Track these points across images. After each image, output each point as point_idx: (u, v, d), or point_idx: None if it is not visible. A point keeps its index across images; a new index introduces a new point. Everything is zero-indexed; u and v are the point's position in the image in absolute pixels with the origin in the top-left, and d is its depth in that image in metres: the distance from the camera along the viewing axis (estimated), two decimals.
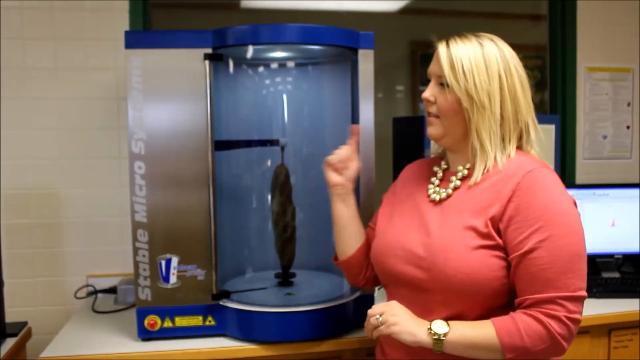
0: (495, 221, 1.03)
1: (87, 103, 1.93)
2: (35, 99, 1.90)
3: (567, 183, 2.28)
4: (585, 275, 1.01)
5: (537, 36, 2.41)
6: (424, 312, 1.08)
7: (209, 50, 1.43)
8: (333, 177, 1.29)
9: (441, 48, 1.10)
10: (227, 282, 1.63)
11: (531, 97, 1.12)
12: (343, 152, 1.30)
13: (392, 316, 1.05)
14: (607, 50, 2.33)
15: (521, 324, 0.99)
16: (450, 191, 1.12)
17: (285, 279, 1.64)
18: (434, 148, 1.26)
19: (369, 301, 1.52)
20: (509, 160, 1.08)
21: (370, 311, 1.09)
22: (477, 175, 1.08)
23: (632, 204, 2.07)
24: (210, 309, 1.48)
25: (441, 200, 1.13)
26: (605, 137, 2.36)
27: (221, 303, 1.48)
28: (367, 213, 1.51)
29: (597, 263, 2.08)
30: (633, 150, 2.39)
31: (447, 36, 1.12)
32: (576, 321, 0.99)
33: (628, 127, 2.38)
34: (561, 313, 0.98)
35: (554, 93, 2.37)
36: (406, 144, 1.91)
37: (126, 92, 1.44)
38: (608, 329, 1.73)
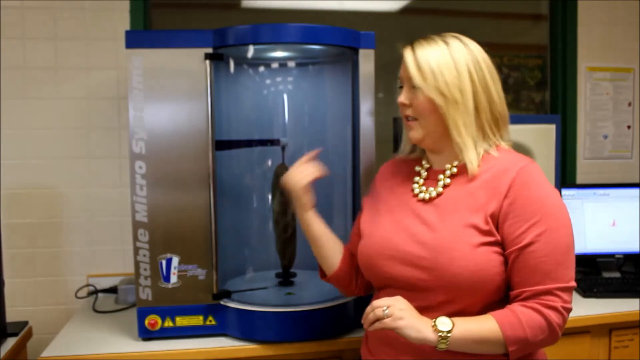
0: (494, 217, 1.05)
1: (87, 103, 1.93)
2: (35, 98, 1.90)
3: (568, 183, 2.29)
4: (574, 265, 1.06)
5: (538, 36, 2.40)
6: (421, 312, 1.07)
7: (210, 50, 1.43)
8: (300, 188, 1.28)
9: (407, 53, 1.13)
10: (227, 282, 1.63)
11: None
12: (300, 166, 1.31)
13: (399, 310, 1.03)
14: (608, 50, 2.33)
15: (522, 316, 1.01)
16: (440, 189, 1.13)
17: (285, 279, 1.64)
18: (405, 149, 1.27)
19: (369, 301, 1.52)
20: (498, 156, 1.11)
21: (375, 302, 1.06)
22: (473, 168, 1.09)
23: (632, 203, 2.07)
24: (210, 308, 1.48)
25: (431, 199, 1.13)
26: (606, 136, 2.36)
27: (222, 303, 1.48)
28: None
29: (597, 263, 2.07)
30: (634, 150, 2.39)
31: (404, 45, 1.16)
32: (569, 310, 1.03)
33: (629, 127, 2.38)
34: (558, 304, 1.01)
35: (555, 93, 2.37)
36: None
37: (127, 91, 1.44)
38: (609, 329, 1.73)
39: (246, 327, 1.46)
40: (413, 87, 1.12)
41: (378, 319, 1.04)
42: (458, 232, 1.05)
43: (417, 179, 1.19)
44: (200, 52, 1.43)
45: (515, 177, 1.05)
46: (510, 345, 1.01)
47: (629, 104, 2.37)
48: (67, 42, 1.91)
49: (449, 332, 1.01)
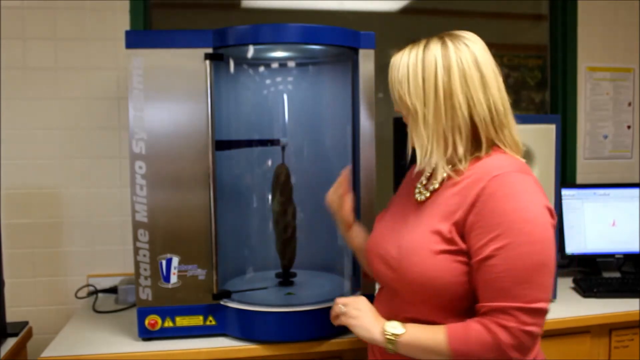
0: (458, 226, 1.02)
1: (87, 103, 1.93)
2: (35, 98, 1.90)
3: (568, 183, 2.29)
4: (548, 286, 0.98)
5: (538, 36, 2.40)
6: (395, 312, 1.11)
7: (210, 50, 1.43)
8: (338, 206, 1.37)
9: (392, 59, 1.14)
10: (227, 282, 1.63)
11: (504, 93, 1.09)
12: (338, 187, 1.37)
13: (354, 309, 1.14)
14: (608, 50, 2.33)
15: (472, 331, 0.98)
16: (428, 194, 1.13)
17: (285, 279, 1.64)
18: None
19: (370, 300, 1.52)
20: (482, 162, 1.05)
21: (338, 299, 1.19)
22: (436, 182, 1.10)
23: (632, 203, 2.07)
24: (210, 308, 1.48)
25: (421, 202, 1.14)
26: (606, 137, 2.36)
27: (222, 303, 1.48)
28: (367, 213, 1.51)
29: (597, 263, 2.08)
30: (634, 150, 2.39)
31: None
32: (529, 333, 0.95)
33: (629, 127, 2.37)
34: (512, 323, 0.95)
35: (555, 93, 2.37)
36: (406, 144, 1.90)
37: (127, 91, 1.44)
38: (609, 329, 1.73)
39: (246, 327, 1.46)
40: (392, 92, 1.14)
41: (338, 315, 1.17)
42: (424, 236, 1.05)
43: (421, 179, 1.20)
44: (200, 52, 1.43)
45: (485, 186, 0.99)
46: (455, 358, 0.99)
47: (629, 104, 2.37)
48: (67, 42, 1.91)
49: (396, 336, 1.05)
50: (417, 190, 1.17)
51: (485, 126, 1.06)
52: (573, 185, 2.18)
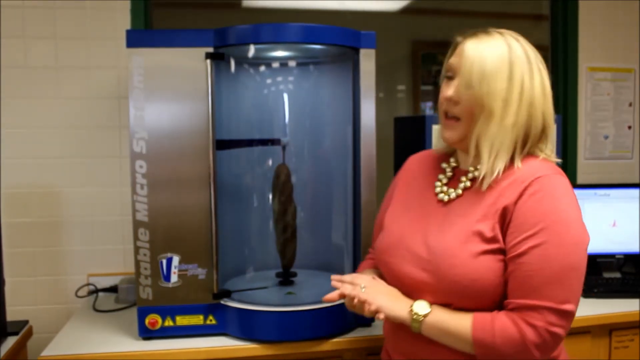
0: (501, 224, 1.02)
1: (88, 102, 1.93)
2: (36, 97, 1.90)
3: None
4: (578, 290, 0.98)
5: (539, 36, 2.40)
6: None
7: (211, 50, 1.43)
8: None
9: (470, 45, 1.04)
10: (228, 282, 1.63)
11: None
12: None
13: (375, 287, 1.10)
14: (609, 51, 2.33)
15: (498, 323, 0.98)
16: (460, 191, 1.10)
17: (286, 279, 1.64)
18: (441, 146, 1.21)
19: None
20: (523, 164, 1.05)
21: (356, 279, 1.13)
22: (489, 181, 1.04)
23: (633, 204, 2.07)
24: (211, 308, 1.48)
25: (450, 201, 1.10)
26: (606, 137, 2.36)
27: (222, 302, 1.48)
28: (368, 211, 1.51)
29: (598, 263, 2.08)
30: (634, 151, 2.39)
31: (464, 32, 1.08)
32: (555, 335, 0.96)
33: (629, 127, 2.37)
34: (540, 322, 0.95)
35: (556, 93, 2.29)
36: (407, 143, 1.91)
37: (127, 91, 1.44)
38: (609, 329, 1.73)
39: (246, 326, 1.46)
40: (466, 84, 1.05)
41: (353, 296, 1.09)
42: (462, 238, 1.03)
43: (441, 177, 1.16)
44: (201, 52, 1.43)
45: (528, 186, 1.00)
46: (476, 346, 0.99)
47: (630, 105, 2.37)
48: (68, 42, 1.91)
49: (423, 316, 1.03)
50: (438, 189, 1.13)
51: (539, 136, 1.07)
52: (573, 185, 2.17)
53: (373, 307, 1.08)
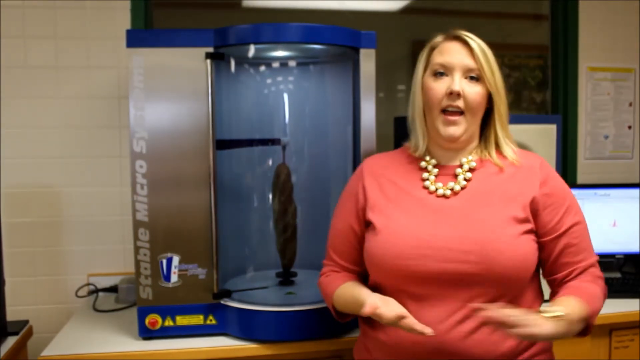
0: (533, 205, 1.10)
1: (88, 102, 1.93)
2: (36, 97, 1.90)
3: (569, 183, 2.28)
4: None
5: (539, 36, 2.40)
6: (455, 308, 1.05)
7: (211, 49, 1.43)
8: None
9: (471, 40, 1.13)
10: (228, 281, 1.63)
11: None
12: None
13: (528, 319, 0.95)
14: (609, 51, 2.33)
15: (590, 290, 1.09)
16: (464, 182, 1.13)
17: (286, 278, 1.64)
18: (420, 147, 1.19)
19: None
20: (519, 152, 1.18)
21: (508, 312, 0.95)
22: (513, 157, 1.15)
23: (633, 204, 2.07)
24: (211, 308, 1.48)
25: (455, 193, 1.13)
26: (606, 137, 2.36)
27: (222, 302, 1.48)
28: None
29: (598, 263, 2.07)
30: (634, 151, 2.39)
31: (441, 33, 1.18)
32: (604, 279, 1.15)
33: (629, 127, 2.37)
34: (600, 273, 1.14)
35: (556, 93, 2.37)
36: None
37: (127, 90, 1.44)
38: (609, 329, 1.73)
39: (246, 326, 1.46)
40: (471, 78, 1.11)
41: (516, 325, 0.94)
42: (499, 224, 1.08)
43: (425, 175, 1.17)
44: (201, 52, 1.43)
45: (544, 170, 1.14)
46: (592, 318, 1.06)
47: (630, 104, 2.37)
48: (68, 41, 1.91)
49: (563, 315, 0.98)
50: (431, 186, 1.14)
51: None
52: (574, 185, 2.18)
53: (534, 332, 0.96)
